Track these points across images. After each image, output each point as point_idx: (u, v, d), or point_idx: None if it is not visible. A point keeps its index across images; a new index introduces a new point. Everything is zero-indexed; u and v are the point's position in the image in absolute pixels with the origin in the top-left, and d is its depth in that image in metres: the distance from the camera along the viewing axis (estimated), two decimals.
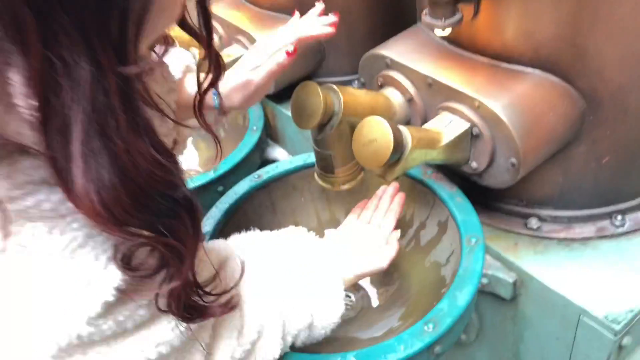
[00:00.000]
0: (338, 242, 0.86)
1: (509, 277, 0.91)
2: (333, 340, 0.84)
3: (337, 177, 0.86)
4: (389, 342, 0.71)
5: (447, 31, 0.78)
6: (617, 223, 0.91)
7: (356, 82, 1.30)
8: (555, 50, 0.77)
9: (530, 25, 0.76)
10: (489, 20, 0.79)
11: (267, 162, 1.35)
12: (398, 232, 0.88)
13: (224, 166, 1.19)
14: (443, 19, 0.77)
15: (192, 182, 1.18)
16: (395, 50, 0.89)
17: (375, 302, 0.93)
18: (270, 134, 1.37)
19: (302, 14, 1.22)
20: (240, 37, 1.25)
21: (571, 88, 0.79)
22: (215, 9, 1.33)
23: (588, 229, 0.93)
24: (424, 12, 0.79)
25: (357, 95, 0.84)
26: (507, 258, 0.92)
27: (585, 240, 0.92)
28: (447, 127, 0.80)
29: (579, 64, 0.77)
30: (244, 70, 0.83)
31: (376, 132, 0.71)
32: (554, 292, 0.87)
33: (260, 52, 0.85)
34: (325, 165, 0.86)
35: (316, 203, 1.02)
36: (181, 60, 0.87)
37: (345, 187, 0.87)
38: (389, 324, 0.84)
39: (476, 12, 0.79)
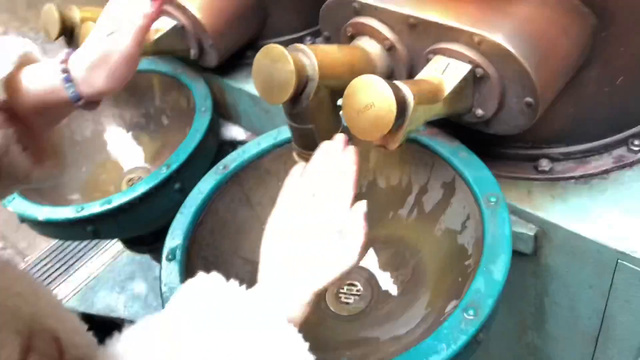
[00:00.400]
0: (273, 265, 0.58)
1: (529, 230, 0.80)
2: (346, 344, 0.72)
3: None
4: (427, 343, 0.59)
5: None
6: (636, 148, 0.81)
7: (308, 37, 1.15)
8: None
9: None
10: None
11: (224, 145, 1.20)
12: (363, 204, 0.61)
13: (176, 159, 1.03)
14: None
15: (144, 184, 1.02)
16: None
17: (392, 290, 0.81)
18: (221, 112, 1.21)
19: None
20: (166, 7, 1.07)
21: (580, 3, 0.67)
22: None
23: (605, 161, 0.82)
24: None
25: (331, 52, 0.69)
26: (523, 209, 0.81)
27: (604, 173, 0.82)
28: (445, 73, 0.66)
29: None
30: (99, 40, 0.67)
31: (373, 95, 0.57)
32: (583, 238, 0.76)
33: (114, 14, 0.69)
34: (306, 142, 0.72)
35: None
36: (9, 50, 0.67)
37: None
38: (414, 314, 0.72)
39: None
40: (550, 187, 0.83)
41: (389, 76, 0.77)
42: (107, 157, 1.25)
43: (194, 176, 1.08)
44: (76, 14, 1.04)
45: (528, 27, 0.65)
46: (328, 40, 0.83)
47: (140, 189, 1.00)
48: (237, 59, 1.16)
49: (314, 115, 0.68)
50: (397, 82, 0.59)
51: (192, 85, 1.17)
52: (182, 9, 1.03)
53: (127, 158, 1.25)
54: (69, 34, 1.05)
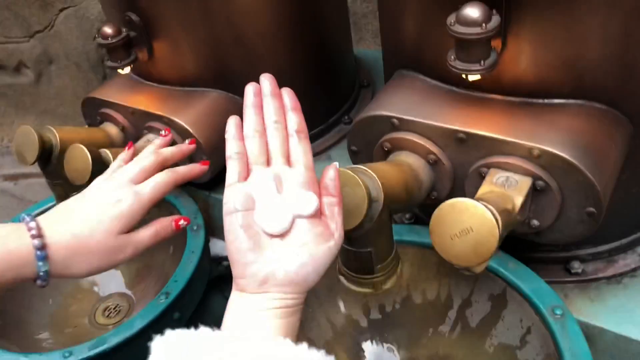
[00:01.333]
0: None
1: None
2: None
3: (377, 277, 0.68)
4: None
5: (480, 75, 0.64)
6: None
7: None
8: (602, 75, 0.66)
9: (573, 51, 0.65)
10: (517, 53, 0.67)
11: (214, 263, 1.12)
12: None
13: (175, 285, 0.94)
14: (482, 61, 0.63)
15: (139, 319, 0.92)
16: (399, 106, 0.74)
17: None
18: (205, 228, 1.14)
19: (223, 86, 1.04)
20: (153, 124, 1.01)
21: (618, 113, 0.69)
22: (106, 94, 1.08)
23: (632, 258, 0.84)
24: (449, 57, 0.65)
25: (387, 171, 0.66)
26: None
27: (633, 271, 0.83)
28: (507, 188, 0.65)
29: (628, 84, 0.67)
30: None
31: (468, 219, 0.54)
32: (632, 340, 0.76)
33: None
34: (361, 266, 0.67)
35: (325, 308, 0.82)
36: None
37: (388, 285, 0.68)
38: None
39: (503, 46, 0.66)
40: (584, 289, 0.83)
41: (431, 192, 0.75)
42: (78, 285, 1.13)
43: (192, 302, 0.99)
44: (55, 135, 0.96)
45: (583, 139, 0.65)
46: (355, 155, 0.81)
47: (137, 324, 0.90)
48: (224, 171, 1.10)
49: (375, 237, 0.64)
50: (482, 202, 0.57)
51: (175, 201, 1.09)
52: (174, 124, 0.98)
53: (101, 284, 1.13)
54: (46, 158, 0.96)
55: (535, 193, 0.67)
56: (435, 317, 0.81)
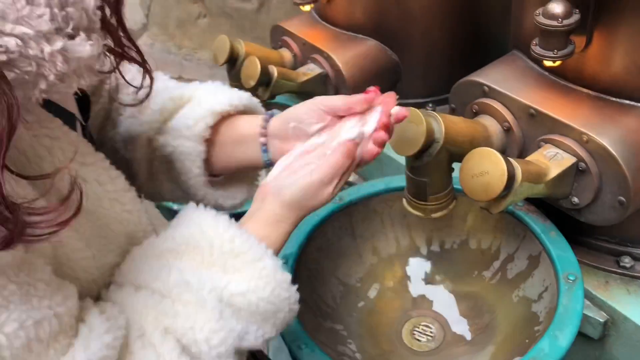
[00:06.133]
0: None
1: (599, 317, 0.88)
2: None
3: (429, 205, 0.84)
4: None
5: (557, 63, 0.76)
6: None
7: (430, 104, 1.28)
8: None
9: None
10: (599, 52, 0.77)
11: None
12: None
13: None
14: (555, 50, 0.75)
15: None
16: (494, 77, 0.87)
17: (463, 336, 0.90)
18: None
19: (381, 38, 1.23)
20: (316, 56, 1.24)
21: None
22: (289, 25, 1.33)
23: None
24: (533, 42, 0.78)
25: (457, 123, 0.82)
26: (598, 296, 0.89)
27: None
28: (552, 160, 0.77)
29: None
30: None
31: (488, 165, 0.69)
32: None
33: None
34: (417, 192, 0.84)
35: (396, 228, 1.00)
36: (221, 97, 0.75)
37: (437, 215, 0.85)
38: None
39: (587, 44, 0.77)
40: (628, 282, 0.90)
41: (502, 153, 0.89)
42: None
43: None
44: (242, 47, 1.24)
45: (632, 137, 0.75)
46: (454, 112, 0.96)
47: None
48: None
49: (431, 171, 0.81)
50: (510, 159, 0.71)
51: None
52: (331, 60, 1.20)
53: None
54: (233, 62, 1.25)
55: (578, 173, 0.78)
56: (482, 263, 0.95)
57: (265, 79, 1.18)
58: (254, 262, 0.59)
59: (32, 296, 0.49)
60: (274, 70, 1.17)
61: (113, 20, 0.56)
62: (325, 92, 1.25)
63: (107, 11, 0.54)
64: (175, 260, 0.59)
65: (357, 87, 1.21)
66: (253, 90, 1.20)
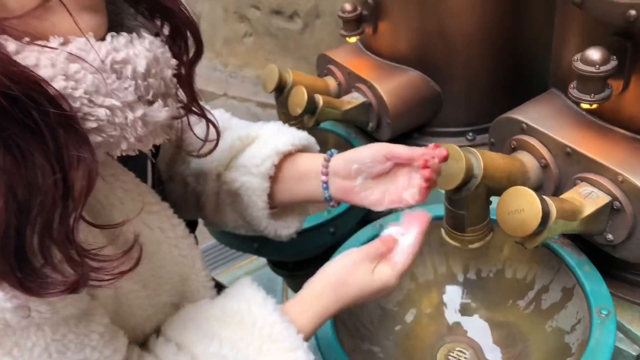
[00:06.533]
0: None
1: (632, 350, 0.90)
2: None
3: (466, 236, 0.88)
4: None
5: (595, 106, 0.79)
6: None
7: (470, 133, 1.31)
8: None
9: None
10: (636, 95, 0.80)
11: None
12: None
13: (337, 209, 1.23)
14: (592, 94, 0.78)
15: (305, 222, 1.22)
16: (532, 115, 0.91)
17: None
18: None
19: (423, 69, 1.27)
20: (360, 85, 1.29)
21: None
22: (335, 54, 1.39)
23: None
24: (570, 85, 0.81)
25: (495, 159, 0.86)
26: (631, 330, 0.91)
27: None
28: (587, 198, 0.80)
29: None
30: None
31: (523, 203, 0.73)
32: None
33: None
34: (456, 224, 0.88)
35: (433, 256, 1.04)
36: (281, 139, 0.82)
37: (474, 246, 0.89)
38: None
39: (625, 87, 0.80)
40: None
41: (538, 190, 0.92)
42: None
43: (346, 224, 1.28)
44: (290, 75, 1.30)
45: None
46: (493, 146, 1.00)
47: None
48: (404, 137, 1.35)
49: (469, 204, 0.85)
50: (545, 197, 0.75)
51: None
52: (374, 89, 1.25)
53: None
54: (280, 90, 1.31)
55: (612, 212, 0.81)
56: (517, 293, 0.98)
57: (311, 107, 1.24)
58: (287, 352, 0.64)
59: (85, 346, 0.56)
60: (320, 99, 1.23)
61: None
62: (367, 120, 1.30)
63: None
64: (219, 329, 0.65)
65: (399, 116, 1.26)
66: (299, 118, 1.26)
